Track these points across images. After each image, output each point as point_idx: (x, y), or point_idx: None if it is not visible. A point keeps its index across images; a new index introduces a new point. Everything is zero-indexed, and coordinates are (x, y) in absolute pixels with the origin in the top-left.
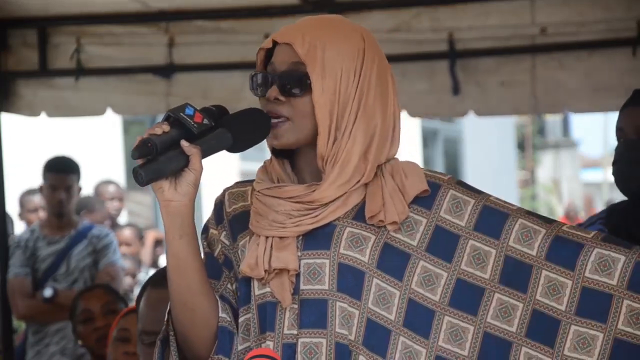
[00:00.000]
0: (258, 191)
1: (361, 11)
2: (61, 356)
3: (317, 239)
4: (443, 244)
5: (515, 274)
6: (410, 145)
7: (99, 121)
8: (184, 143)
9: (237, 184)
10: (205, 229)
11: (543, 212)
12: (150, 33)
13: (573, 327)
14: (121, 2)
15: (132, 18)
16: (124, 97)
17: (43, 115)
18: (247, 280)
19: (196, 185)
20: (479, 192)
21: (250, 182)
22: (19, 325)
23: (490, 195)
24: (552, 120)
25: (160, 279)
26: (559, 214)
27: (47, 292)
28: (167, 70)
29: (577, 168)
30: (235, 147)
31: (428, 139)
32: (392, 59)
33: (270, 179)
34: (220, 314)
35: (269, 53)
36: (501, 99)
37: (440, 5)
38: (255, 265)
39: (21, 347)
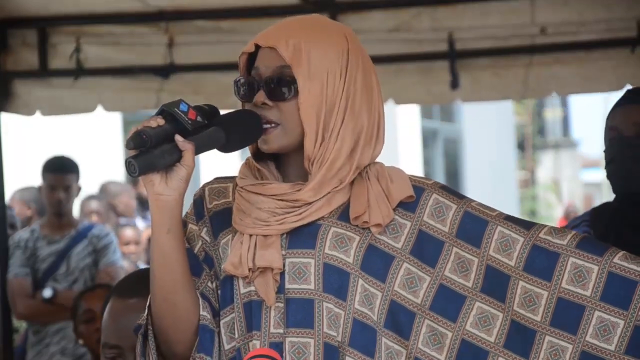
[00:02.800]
0: (241, 187)
1: (361, 11)
2: (61, 356)
3: (301, 237)
4: (427, 248)
5: (495, 284)
6: (410, 145)
7: (99, 121)
8: (179, 138)
9: (217, 179)
10: (184, 224)
11: (543, 212)
12: (150, 33)
13: (547, 338)
14: (121, 1)
15: (132, 18)
16: (115, 93)
17: (38, 113)
18: (231, 279)
19: (187, 180)
20: (461, 197)
21: (231, 178)
22: (20, 325)
23: (473, 201)
24: (552, 120)
25: (124, 289)
26: (558, 214)
27: (47, 293)
28: (166, 71)
29: (577, 168)
30: (227, 146)
31: (428, 139)
32: (392, 58)
33: (253, 176)
34: (201, 312)
35: (251, 57)
36: (491, 85)
37: (440, 5)
38: (238, 264)
39: (22, 347)
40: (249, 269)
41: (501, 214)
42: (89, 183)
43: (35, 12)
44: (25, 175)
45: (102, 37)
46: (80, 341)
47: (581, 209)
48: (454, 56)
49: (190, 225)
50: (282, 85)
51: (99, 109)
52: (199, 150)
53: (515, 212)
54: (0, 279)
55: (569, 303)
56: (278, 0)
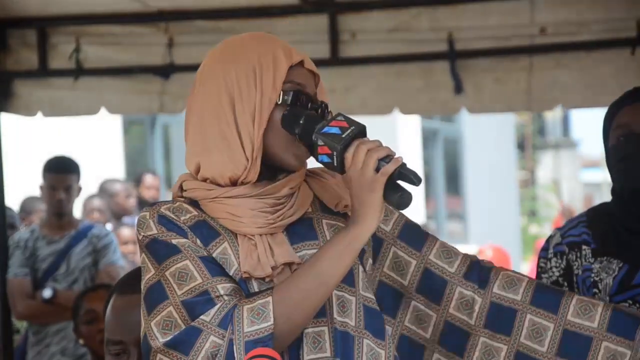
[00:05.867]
0: (214, 197)
1: (361, 11)
2: (61, 356)
3: (300, 232)
4: (412, 233)
5: (500, 317)
6: (410, 145)
7: (99, 121)
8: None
9: (161, 203)
10: (164, 244)
11: (543, 212)
12: (150, 33)
13: None
14: (120, 2)
15: (132, 18)
16: (118, 96)
17: (39, 115)
18: (243, 282)
19: None
20: None
21: (171, 201)
22: (21, 325)
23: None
24: (552, 120)
25: (126, 285)
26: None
27: (47, 293)
28: (166, 71)
29: (577, 168)
30: None
31: (428, 139)
32: (392, 59)
33: (208, 188)
34: None
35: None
36: (495, 96)
37: (440, 5)
38: (257, 265)
39: (22, 347)
40: (272, 267)
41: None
42: (89, 183)
43: (35, 12)
44: (25, 176)
45: (102, 37)
46: (81, 341)
47: (580, 209)
48: (454, 56)
49: (177, 240)
50: (325, 110)
51: (102, 111)
52: None
53: (515, 212)
54: (0, 279)
55: (576, 334)
56: (278, 0)
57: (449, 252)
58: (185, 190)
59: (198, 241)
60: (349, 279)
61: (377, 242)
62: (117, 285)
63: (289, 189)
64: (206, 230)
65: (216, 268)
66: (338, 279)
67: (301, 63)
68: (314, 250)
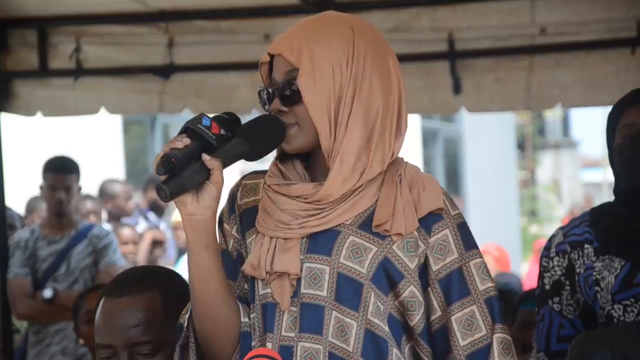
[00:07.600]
0: (268, 185)
1: (361, 11)
2: (62, 356)
3: (320, 243)
4: (455, 285)
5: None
6: (410, 145)
7: (99, 121)
8: (206, 157)
9: (253, 174)
10: (220, 222)
11: (543, 212)
12: (150, 33)
13: None
14: (121, 2)
15: (132, 18)
16: (118, 96)
17: (39, 115)
18: (252, 279)
19: (218, 198)
20: (468, 249)
21: (263, 172)
22: (21, 325)
23: (476, 258)
24: (552, 120)
25: (113, 289)
26: (558, 214)
27: (47, 293)
28: (166, 71)
29: (577, 168)
30: (252, 155)
31: (428, 139)
32: None
33: (281, 175)
34: (242, 319)
35: (272, 65)
36: (495, 95)
37: (440, 5)
38: (257, 266)
39: (22, 347)
40: (267, 272)
41: (487, 296)
42: (89, 183)
43: (35, 12)
44: (25, 176)
45: (102, 37)
46: (81, 341)
47: (582, 209)
48: (454, 56)
49: (224, 225)
50: (292, 89)
51: (102, 110)
52: (226, 164)
53: (515, 212)
54: (0, 279)
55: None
56: (278, 0)
57: (472, 325)
58: None
59: (235, 228)
60: (353, 304)
61: (398, 276)
62: (105, 288)
63: (334, 190)
64: (254, 217)
65: (228, 267)
66: (195, 285)
67: (273, 57)
68: (319, 265)
